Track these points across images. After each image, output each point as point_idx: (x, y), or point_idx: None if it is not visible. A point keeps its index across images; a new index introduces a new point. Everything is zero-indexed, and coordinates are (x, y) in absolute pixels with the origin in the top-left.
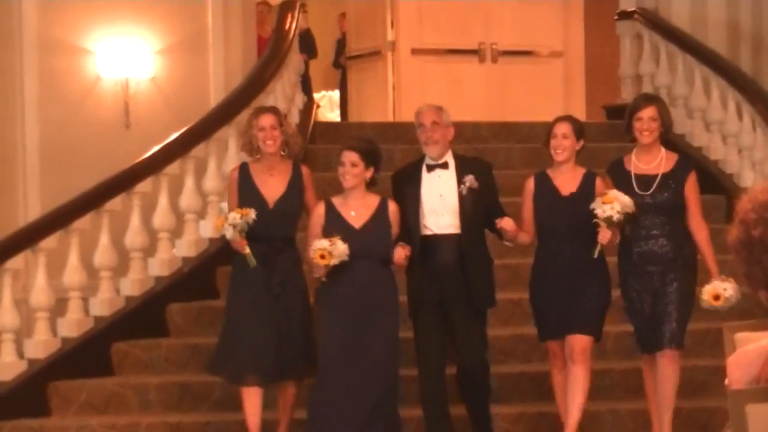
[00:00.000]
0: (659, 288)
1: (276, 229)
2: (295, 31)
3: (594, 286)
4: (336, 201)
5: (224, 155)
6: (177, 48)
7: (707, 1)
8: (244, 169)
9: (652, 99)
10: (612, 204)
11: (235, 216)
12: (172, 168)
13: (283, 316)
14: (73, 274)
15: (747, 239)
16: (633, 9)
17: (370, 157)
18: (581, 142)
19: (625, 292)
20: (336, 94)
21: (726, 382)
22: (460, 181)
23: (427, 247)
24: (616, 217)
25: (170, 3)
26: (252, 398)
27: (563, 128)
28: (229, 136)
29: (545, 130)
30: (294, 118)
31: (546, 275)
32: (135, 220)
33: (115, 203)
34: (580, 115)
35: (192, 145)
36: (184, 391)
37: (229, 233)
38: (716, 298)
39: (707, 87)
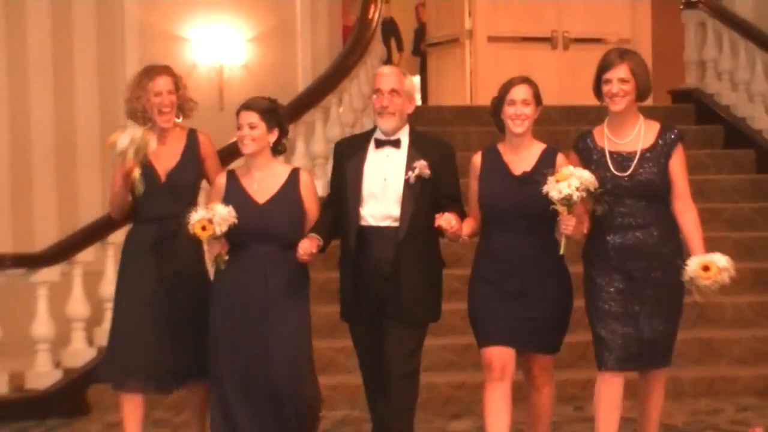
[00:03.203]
0: (640, 290)
1: (170, 206)
2: (378, 20)
3: (553, 291)
4: (239, 171)
5: (311, 136)
6: (268, 36)
7: None
8: None
9: (624, 54)
10: (568, 180)
11: (136, 131)
12: None
13: (177, 312)
14: None
15: None
16: None
17: (272, 117)
18: (539, 109)
19: (597, 294)
20: (417, 79)
21: None
22: (409, 166)
23: (363, 240)
24: (576, 195)
25: None
26: (130, 406)
27: (523, 92)
28: (316, 119)
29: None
30: None
31: (490, 274)
32: None
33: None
34: (645, 99)
35: None
36: None
37: (123, 143)
38: (706, 269)
39: None
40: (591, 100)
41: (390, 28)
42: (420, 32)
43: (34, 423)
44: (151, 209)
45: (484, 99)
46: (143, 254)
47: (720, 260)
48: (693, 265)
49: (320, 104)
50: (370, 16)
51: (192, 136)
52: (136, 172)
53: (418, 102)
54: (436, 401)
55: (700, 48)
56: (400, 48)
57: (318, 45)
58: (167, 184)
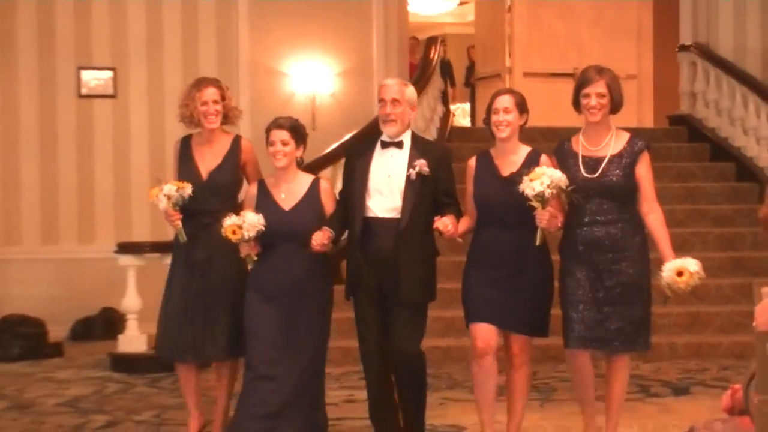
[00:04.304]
0: (606, 279)
1: (207, 202)
2: (437, 59)
3: (534, 277)
4: (269, 181)
5: None
6: (351, 71)
7: (747, 36)
8: (185, 141)
9: (601, 71)
10: (540, 179)
11: (171, 187)
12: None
13: (210, 294)
14: None
15: None
16: (690, 43)
17: (299, 135)
18: (525, 117)
19: (567, 280)
20: (467, 106)
21: (754, 324)
22: (410, 165)
23: (368, 229)
24: (548, 192)
25: (346, 39)
26: (184, 376)
27: (504, 102)
28: None
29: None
30: (436, 124)
31: (481, 263)
32: None
33: None
34: (648, 122)
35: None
36: (352, 324)
37: (163, 204)
38: (680, 274)
39: (745, 101)
40: None
41: (446, 68)
42: (470, 69)
43: (166, 374)
44: (193, 205)
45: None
46: (183, 244)
47: (692, 265)
48: (668, 272)
49: None
50: (431, 56)
51: (236, 142)
52: (179, 223)
53: (468, 124)
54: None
55: (691, 82)
56: (452, 84)
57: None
58: (208, 183)
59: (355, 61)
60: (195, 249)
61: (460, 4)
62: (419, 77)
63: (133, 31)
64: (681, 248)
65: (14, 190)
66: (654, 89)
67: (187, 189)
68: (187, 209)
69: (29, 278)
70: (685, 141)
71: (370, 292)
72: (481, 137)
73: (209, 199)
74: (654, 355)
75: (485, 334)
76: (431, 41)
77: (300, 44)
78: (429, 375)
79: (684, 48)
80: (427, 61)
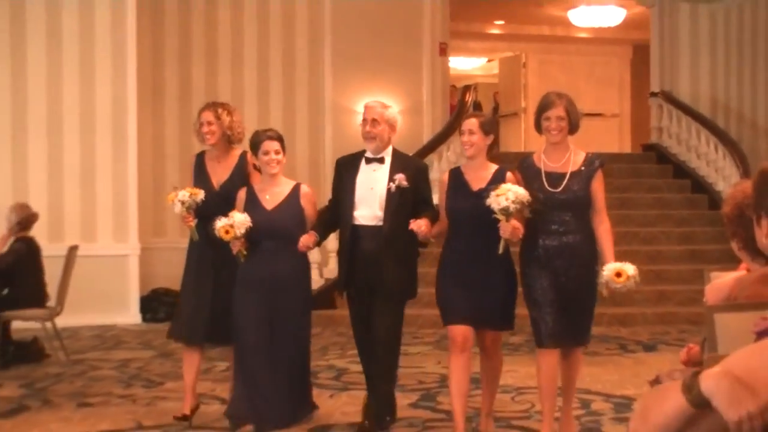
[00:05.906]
0: (563, 282)
1: (220, 209)
2: (470, 102)
3: (500, 280)
4: (257, 186)
5: (430, 170)
6: (406, 110)
7: (699, 86)
8: (200, 157)
9: (560, 96)
10: (505, 195)
11: (185, 193)
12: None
13: (221, 289)
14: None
15: (740, 214)
16: (658, 91)
17: (283, 144)
18: (491, 137)
19: (532, 285)
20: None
21: (704, 299)
22: (391, 178)
23: (355, 235)
24: (512, 207)
25: (403, 85)
26: (189, 358)
27: (469, 125)
28: (434, 159)
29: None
30: None
31: (452, 268)
32: None
33: None
34: (627, 149)
35: None
36: None
37: (177, 208)
38: (618, 275)
39: (699, 134)
40: (597, 149)
41: (477, 108)
42: (495, 109)
43: None
44: (206, 210)
45: (533, 148)
46: (199, 243)
47: (629, 269)
48: (608, 272)
49: (436, 150)
50: (466, 99)
51: (242, 157)
52: (192, 224)
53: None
54: None
55: (659, 119)
56: None
57: (435, 115)
58: (219, 192)
59: (410, 102)
60: (208, 249)
61: (489, 60)
62: (457, 116)
63: (248, 83)
64: (651, 242)
65: (162, 197)
66: (631, 124)
67: (200, 195)
68: (202, 215)
69: (172, 261)
70: (655, 163)
71: (360, 289)
72: (504, 160)
73: (221, 206)
74: (630, 321)
75: (463, 332)
76: (466, 88)
77: (369, 89)
78: (440, 335)
79: (653, 94)
80: (463, 103)
